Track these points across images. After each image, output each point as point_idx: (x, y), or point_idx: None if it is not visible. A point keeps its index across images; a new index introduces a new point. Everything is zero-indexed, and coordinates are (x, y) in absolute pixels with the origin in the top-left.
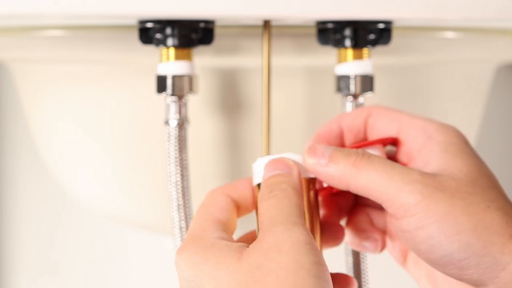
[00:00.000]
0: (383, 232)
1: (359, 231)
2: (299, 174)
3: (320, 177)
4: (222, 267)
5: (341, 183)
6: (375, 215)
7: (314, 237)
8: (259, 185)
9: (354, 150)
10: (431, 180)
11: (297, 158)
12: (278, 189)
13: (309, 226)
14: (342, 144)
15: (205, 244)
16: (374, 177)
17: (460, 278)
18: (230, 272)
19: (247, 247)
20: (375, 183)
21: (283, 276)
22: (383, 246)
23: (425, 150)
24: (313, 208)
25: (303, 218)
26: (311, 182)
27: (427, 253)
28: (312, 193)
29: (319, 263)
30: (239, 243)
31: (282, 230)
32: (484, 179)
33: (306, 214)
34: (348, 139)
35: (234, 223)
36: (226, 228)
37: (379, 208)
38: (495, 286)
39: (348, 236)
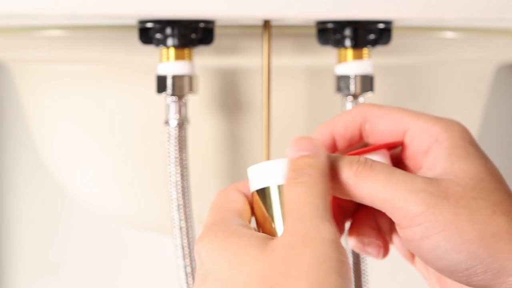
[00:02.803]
0: (389, 234)
1: (362, 236)
2: (327, 156)
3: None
4: (244, 256)
5: (343, 194)
6: (381, 218)
7: None
8: (257, 191)
9: (356, 158)
10: (435, 188)
11: (279, 163)
12: (306, 174)
13: None
14: (335, 150)
15: (226, 231)
16: (377, 187)
17: (468, 284)
18: (253, 262)
19: (272, 239)
20: (378, 193)
21: (307, 270)
22: (385, 253)
23: (431, 153)
24: None
25: (330, 212)
26: None
27: (434, 261)
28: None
29: (343, 261)
30: (262, 234)
31: (310, 226)
32: (490, 180)
33: None
34: (342, 146)
35: (249, 214)
36: (244, 218)
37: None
38: None
39: (351, 240)
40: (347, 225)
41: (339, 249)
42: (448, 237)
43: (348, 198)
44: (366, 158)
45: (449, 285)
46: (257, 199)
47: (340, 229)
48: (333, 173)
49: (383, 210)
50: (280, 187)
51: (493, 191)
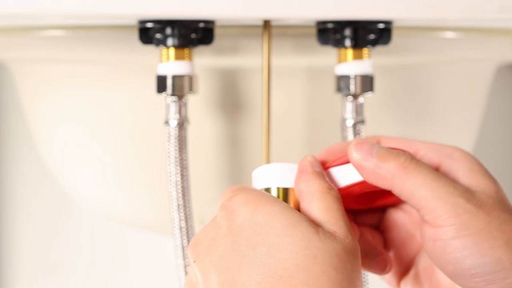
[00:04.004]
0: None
1: (368, 249)
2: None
3: (364, 172)
4: (299, 233)
5: (385, 183)
6: (375, 236)
7: None
8: (266, 189)
9: (402, 151)
10: (472, 196)
11: (293, 168)
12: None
13: None
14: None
15: (268, 196)
16: (421, 183)
17: None
18: (306, 240)
19: (318, 228)
20: (421, 189)
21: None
22: (390, 267)
23: (450, 169)
24: None
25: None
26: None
27: (456, 263)
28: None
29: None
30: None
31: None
32: (506, 198)
33: None
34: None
35: None
36: None
37: (378, 229)
38: None
39: None
40: None
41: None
42: (479, 240)
43: (386, 188)
44: (412, 154)
45: None
46: None
47: None
48: (379, 161)
49: (418, 207)
50: (279, 189)
51: (510, 206)
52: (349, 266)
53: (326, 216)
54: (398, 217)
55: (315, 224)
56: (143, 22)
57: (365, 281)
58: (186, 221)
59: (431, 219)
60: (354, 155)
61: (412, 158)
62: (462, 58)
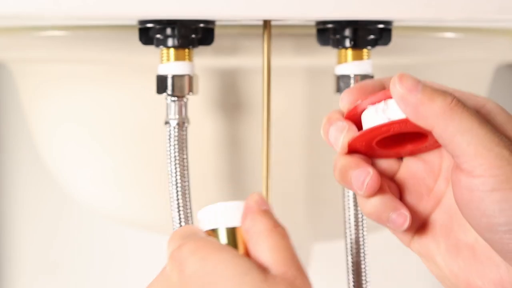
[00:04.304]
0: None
1: (386, 202)
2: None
3: (406, 108)
4: (246, 277)
5: (427, 122)
6: (392, 187)
7: None
8: (213, 230)
9: (447, 92)
10: None
11: (240, 206)
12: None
13: None
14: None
15: (215, 244)
16: (466, 127)
17: (508, 251)
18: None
19: (265, 270)
20: (465, 134)
21: None
22: (409, 222)
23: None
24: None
25: None
26: None
27: (492, 216)
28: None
29: None
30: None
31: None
32: None
33: None
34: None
35: None
36: None
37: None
38: None
39: (373, 206)
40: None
41: None
42: None
43: (427, 128)
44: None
45: (460, 261)
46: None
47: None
48: (424, 97)
49: (457, 152)
50: (227, 230)
51: None
52: None
53: (274, 255)
54: (418, 168)
55: (263, 270)
56: (143, 22)
57: (365, 281)
58: (186, 221)
59: (471, 167)
60: (398, 88)
61: (459, 101)
62: (462, 58)
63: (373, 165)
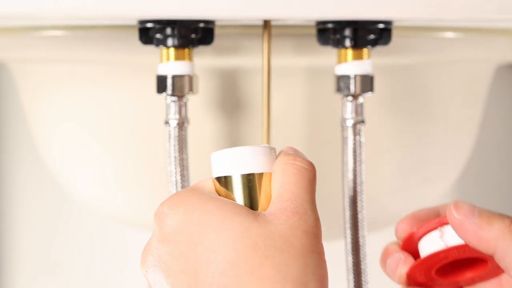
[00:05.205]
0: None
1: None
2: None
3: (465, 234)
4: (232, 222)
5: (487, 246)
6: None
7: None
8: (221, 178)
9: (504, 214)
10: None
11: (268, 151)
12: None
13: None
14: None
15: (203, 195)
16: None
17: None
18: (243, 229)
19: (259, 212)
20: None
21: (302, 253)
22: None
23: None
24: None
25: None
26: None
27: None
28: None
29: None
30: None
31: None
32: None
33: None
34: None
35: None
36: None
37: None
38: None
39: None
40: None
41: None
42: None
43: (488, 253)
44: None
45: None
46: (221, 185)
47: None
48: (482, 221)
49: None
50: (242, 176)
51: None
52: (298, 243)
53: (277, 190)
54: None
55: (255, 211)
56: (143, 22)
57: (365, 281)
58: None
59: None
60: (455, 215)
61: None
62: (462, 58)
63: None
